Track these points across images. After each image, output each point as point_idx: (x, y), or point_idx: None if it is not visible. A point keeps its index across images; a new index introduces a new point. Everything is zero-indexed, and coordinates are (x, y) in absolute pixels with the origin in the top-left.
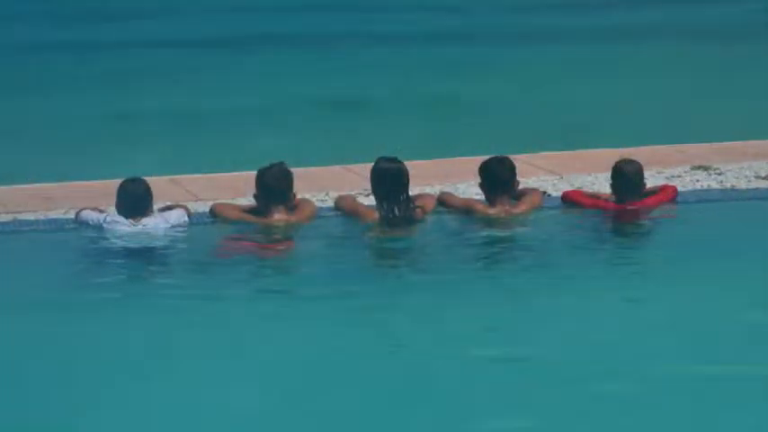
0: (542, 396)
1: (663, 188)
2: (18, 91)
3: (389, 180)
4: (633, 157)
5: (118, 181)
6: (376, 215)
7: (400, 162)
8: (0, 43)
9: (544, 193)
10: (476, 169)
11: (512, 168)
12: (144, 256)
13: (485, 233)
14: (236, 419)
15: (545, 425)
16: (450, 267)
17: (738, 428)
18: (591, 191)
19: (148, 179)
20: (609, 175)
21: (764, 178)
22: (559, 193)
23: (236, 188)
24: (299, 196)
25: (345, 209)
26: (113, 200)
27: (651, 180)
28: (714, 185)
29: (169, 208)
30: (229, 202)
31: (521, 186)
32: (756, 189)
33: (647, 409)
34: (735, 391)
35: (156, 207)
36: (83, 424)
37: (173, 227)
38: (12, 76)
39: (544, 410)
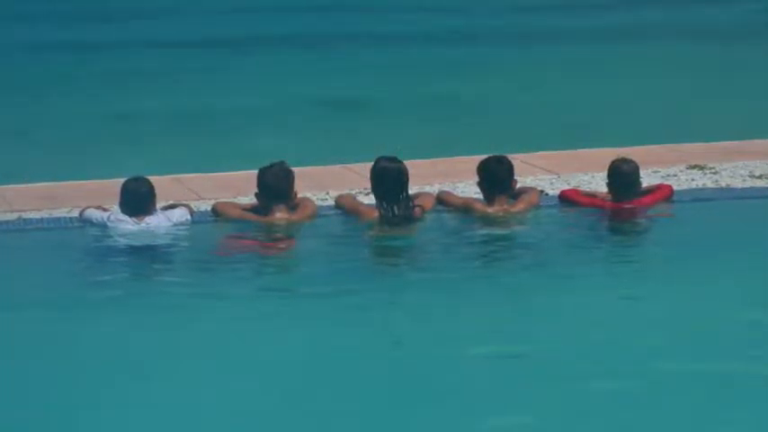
0: (540, 394)
1: (659, 187)
2: (18, 91)
3: (389, 179)
4: (630, 157)
5: (121, 180)
6: (376, 214)
7: (400, 161)
8: (0, 43)
9: (542, 191)
10: (474, 168)
11: (510, 167)
12: (147, 255)
13: (483, 232)
14: (237, 417)
15: (543, 423)
16: (449, 266)
17: (737, 428)
18: (588, 190)
19: (151, 178)
20: (605, 174)
21: (759, 177)
22: (557, 192)
23: (238, 187)
24: (299, 195)
25: (345, 208)
26: (117, 199)
27: (647, 179)
28: (709, 184)
29: (172, 207)
30: (231, 200)
31: (519, 185)
32: (751, 188)
33: (644, 407)
34: (731, 389)
35: (158, 206)
36: (85, 422)
37: (175, 225)
38: (12, 76)
39: (542, 408)
